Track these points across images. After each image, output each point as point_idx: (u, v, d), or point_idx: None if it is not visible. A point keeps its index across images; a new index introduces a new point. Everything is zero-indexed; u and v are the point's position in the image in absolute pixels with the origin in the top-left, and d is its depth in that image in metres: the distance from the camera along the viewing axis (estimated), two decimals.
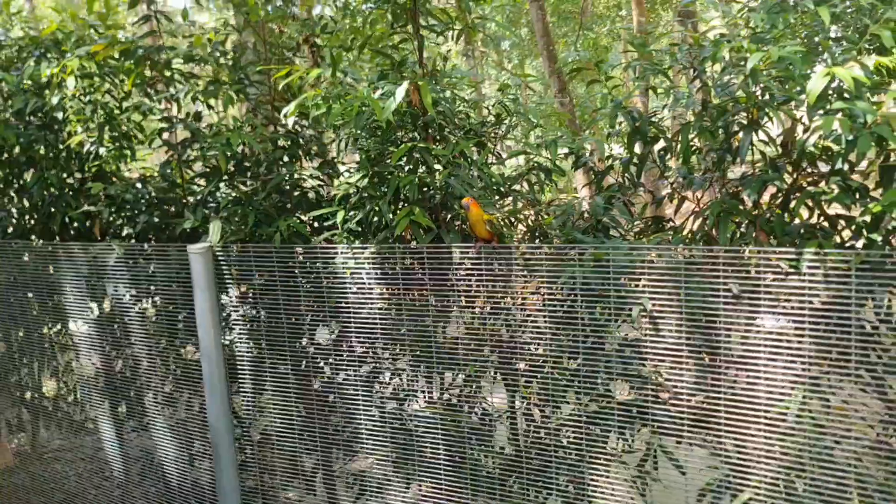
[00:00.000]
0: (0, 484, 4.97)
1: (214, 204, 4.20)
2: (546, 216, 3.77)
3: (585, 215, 3.46)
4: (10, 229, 4.88)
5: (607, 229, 3.35)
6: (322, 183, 4.12)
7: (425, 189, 3.47)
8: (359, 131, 3.34)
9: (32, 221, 4.84)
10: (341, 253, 3.45)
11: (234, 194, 3.77)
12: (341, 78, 3.33)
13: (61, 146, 4.56)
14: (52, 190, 4.66)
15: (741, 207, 2.81)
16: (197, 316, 3.81)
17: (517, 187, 3.94)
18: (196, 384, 4.04)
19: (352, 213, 3.54)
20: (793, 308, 2.55)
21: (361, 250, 3.40)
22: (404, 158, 3.45)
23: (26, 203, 4.83)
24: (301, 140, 4.11)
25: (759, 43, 2.54)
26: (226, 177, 4.08)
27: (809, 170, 2.96)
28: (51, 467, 4.83)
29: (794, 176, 2.98)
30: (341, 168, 4.29)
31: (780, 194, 3.05)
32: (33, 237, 4.69)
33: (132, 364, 4.30)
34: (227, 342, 3.88)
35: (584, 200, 3.64)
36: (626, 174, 3.55)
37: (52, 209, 4.65)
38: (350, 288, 3.47)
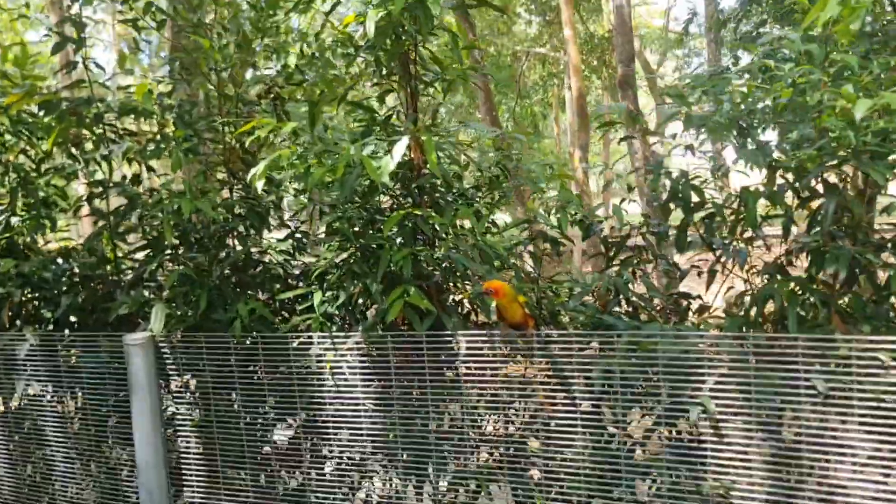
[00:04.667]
0: None
1: (154, 283, 3.53)
2: (551, 293, 3.27)
3: (608, 293, 2.97)
4: None
5: (636, 309, 2.87)
6: (288, 258, 3.51)
7: (420, 265, 2.92)
8: (341, 197, 2.79)
9: None
10: (318, 343, 2.84)
11: (181, 271, 3.12)
12: (320, 134, 2.78)
13: None
14: None
15: (813, 286, 2.37)
16: (133, 420, 3.10)
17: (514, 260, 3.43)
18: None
19: (329, 293, 2.94)
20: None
21: (344, 339, 2.81)
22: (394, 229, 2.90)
23: None
24: (260, 207, 3.51)
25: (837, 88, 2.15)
26: (169, 251, 3.43)
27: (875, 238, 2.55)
28: None
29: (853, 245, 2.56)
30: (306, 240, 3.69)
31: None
32: None
33: (47, 472, 3.52)
34: (170, 450, 3.18)
35: (595, 275, 3.15)
36: (645, 245, 3.10)
37: None
38: (330, 385, 2.86)
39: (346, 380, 2.84)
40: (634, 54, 13.98)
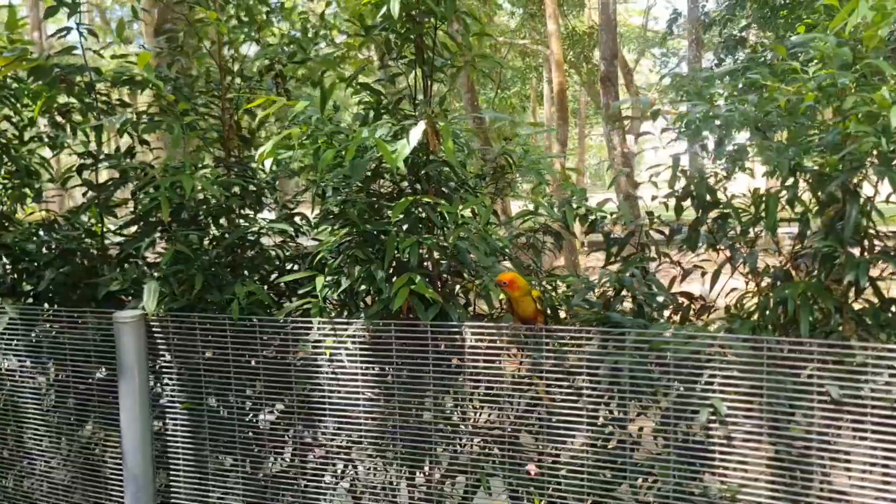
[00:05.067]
0: None
1: (143, 260, 3.41)
2: (549, 287, 3.23)
3: (610, 291, 2.94)
4: None
5: (641, 308, 2.85)
6: (286, 239, 3.41)
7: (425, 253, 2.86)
8: (353, 180, 2.71)
9: None
10: (318, 329, 2.77)
11: (176, 248, 3.02)
12: (329, 115, 2.70)
13: None
14: None
15: (826, 290, 2.37)
16: (121, 402, 3.00)
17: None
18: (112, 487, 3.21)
19: (330, 278, 2.87)
20: None
21: (345, 327, 2.74)
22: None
23: None
24: (256, 186, 3.41)
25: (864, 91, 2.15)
26: (161, 227, 3.32)
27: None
28: None
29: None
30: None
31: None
32: None
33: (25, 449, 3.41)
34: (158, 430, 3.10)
35: (601, 272, 3.12)
36: (648, 241, 3.07)
37: None
38: (328, 374, 2.80)
39: (345, 367, 2.78)
40: (618, 51, 14.03)
